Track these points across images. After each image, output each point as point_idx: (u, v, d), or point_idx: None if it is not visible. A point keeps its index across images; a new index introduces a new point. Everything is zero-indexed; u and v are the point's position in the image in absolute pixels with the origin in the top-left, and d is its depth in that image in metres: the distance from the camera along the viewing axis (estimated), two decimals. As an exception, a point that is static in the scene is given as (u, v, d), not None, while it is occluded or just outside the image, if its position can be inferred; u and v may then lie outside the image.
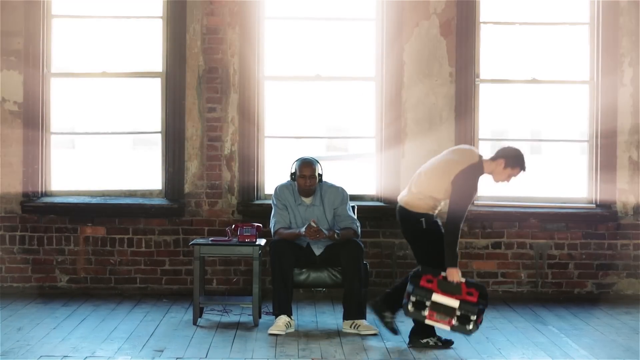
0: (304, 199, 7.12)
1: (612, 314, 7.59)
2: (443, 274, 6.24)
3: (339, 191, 7.17)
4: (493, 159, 6.32)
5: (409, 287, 6.28)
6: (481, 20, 8.29)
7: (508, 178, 6.32)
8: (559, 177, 16.25)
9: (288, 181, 7.21)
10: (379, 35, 8.27)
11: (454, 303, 6.21)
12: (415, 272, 6.34)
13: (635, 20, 8.20)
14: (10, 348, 6.21)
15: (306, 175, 7.04)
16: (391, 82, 8.21)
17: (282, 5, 8.42)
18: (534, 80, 8.37)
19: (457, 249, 6.22)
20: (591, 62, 8.33)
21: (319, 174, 7.11)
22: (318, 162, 7.14)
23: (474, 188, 6.30)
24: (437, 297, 6.21)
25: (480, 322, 6.27)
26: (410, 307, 6.25)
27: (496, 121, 9.30)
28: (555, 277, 8.30)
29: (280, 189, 7.16)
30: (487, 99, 8.34)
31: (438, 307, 6.22)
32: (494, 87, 8.40)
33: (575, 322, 7.29)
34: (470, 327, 6.22)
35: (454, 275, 6.22)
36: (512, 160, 6.27)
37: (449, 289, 6.22)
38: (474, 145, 8.14)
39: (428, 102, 8.24)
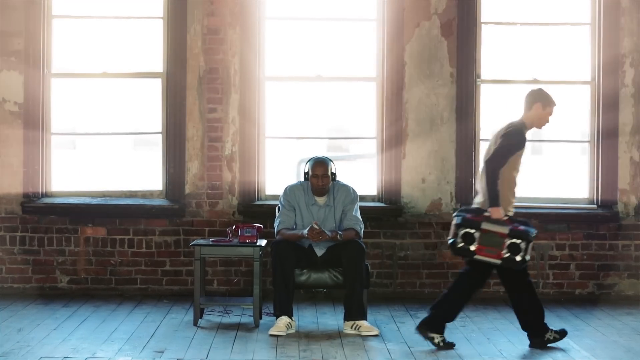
0: (317, 199, 7.09)
1: (613, 314, 7.58)
2: (486, 213, 6.22)
3: (350, 191, 7.15)
4: (528, 108, 6.41)
5: (457, 219, 6.26)
6: (482, 20, 8.28)
7: (548, 118, 6.43)
8: (560, 177, 16.22)
9: (299, 182, 7.18)
10: (380, 36, 8.26)
11: (504, 229, 6.16)
12: (459, 210, 6.37)
13: (637, 20, 8.19)
14: (11, 349, 6.20)
15: (319, 174, 7.00)
16: (392, 83, 8.20)
17: (283, 6, 8.41)
18: (535, 81, 8.35)
19: (498, 187, 6.18)
20: (592, 62, 8.32)
21: (332, 172, 7.08)
22: (331, 161, 7.10)
23: (522, 140, 6.33)
24: (486, 225, 6.16)
25: (528, 257, 6.20)
26: (459, 241, 6.21)
27: (497, 122, 9.27)
28: (557, 278, 8.29)
29: (290, 190, 7.13)
30: (488, 99, 8.33)
31: (487, 239, 6.17)
32: (495, 88, 8.39)
33: (576, 322, 7.28)
34: (520, 257, 6.17)
35: (498, 213, 6.19)
36: (545, 99, 6.39)
37: (496, 224, 6.19)
38: (474, 147, 8.17)
39: (429, 103, 8.23)
